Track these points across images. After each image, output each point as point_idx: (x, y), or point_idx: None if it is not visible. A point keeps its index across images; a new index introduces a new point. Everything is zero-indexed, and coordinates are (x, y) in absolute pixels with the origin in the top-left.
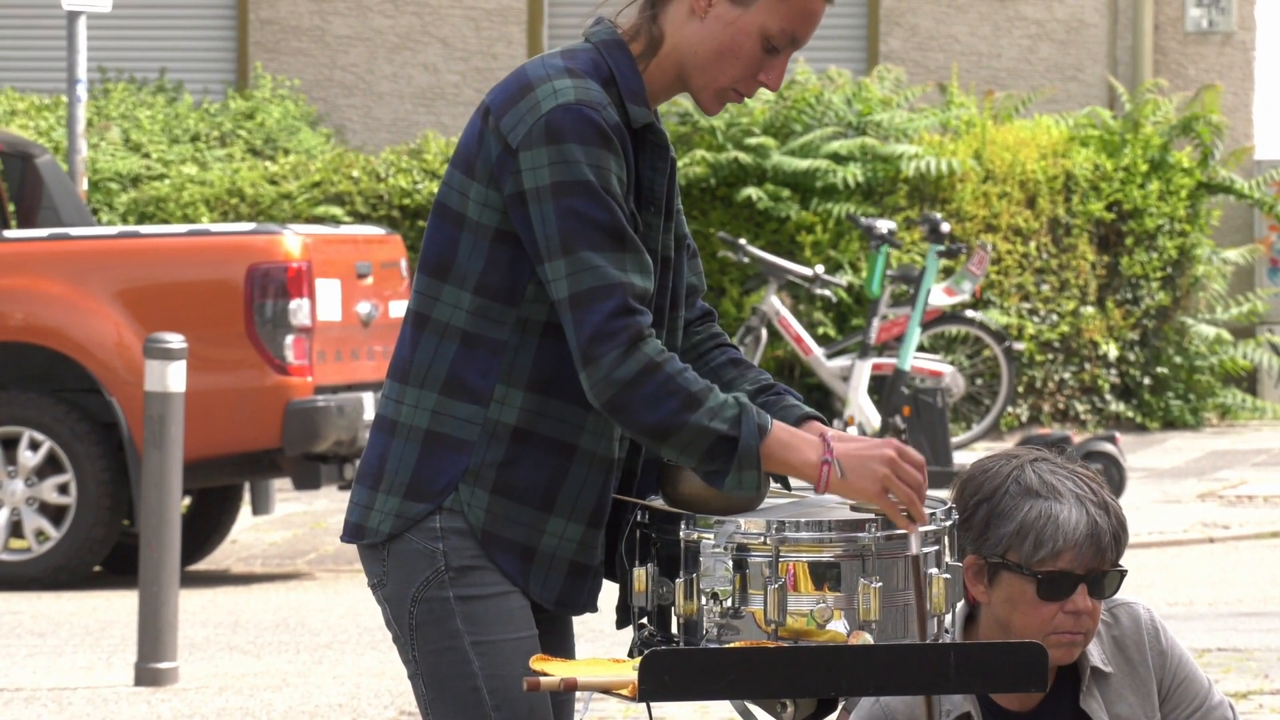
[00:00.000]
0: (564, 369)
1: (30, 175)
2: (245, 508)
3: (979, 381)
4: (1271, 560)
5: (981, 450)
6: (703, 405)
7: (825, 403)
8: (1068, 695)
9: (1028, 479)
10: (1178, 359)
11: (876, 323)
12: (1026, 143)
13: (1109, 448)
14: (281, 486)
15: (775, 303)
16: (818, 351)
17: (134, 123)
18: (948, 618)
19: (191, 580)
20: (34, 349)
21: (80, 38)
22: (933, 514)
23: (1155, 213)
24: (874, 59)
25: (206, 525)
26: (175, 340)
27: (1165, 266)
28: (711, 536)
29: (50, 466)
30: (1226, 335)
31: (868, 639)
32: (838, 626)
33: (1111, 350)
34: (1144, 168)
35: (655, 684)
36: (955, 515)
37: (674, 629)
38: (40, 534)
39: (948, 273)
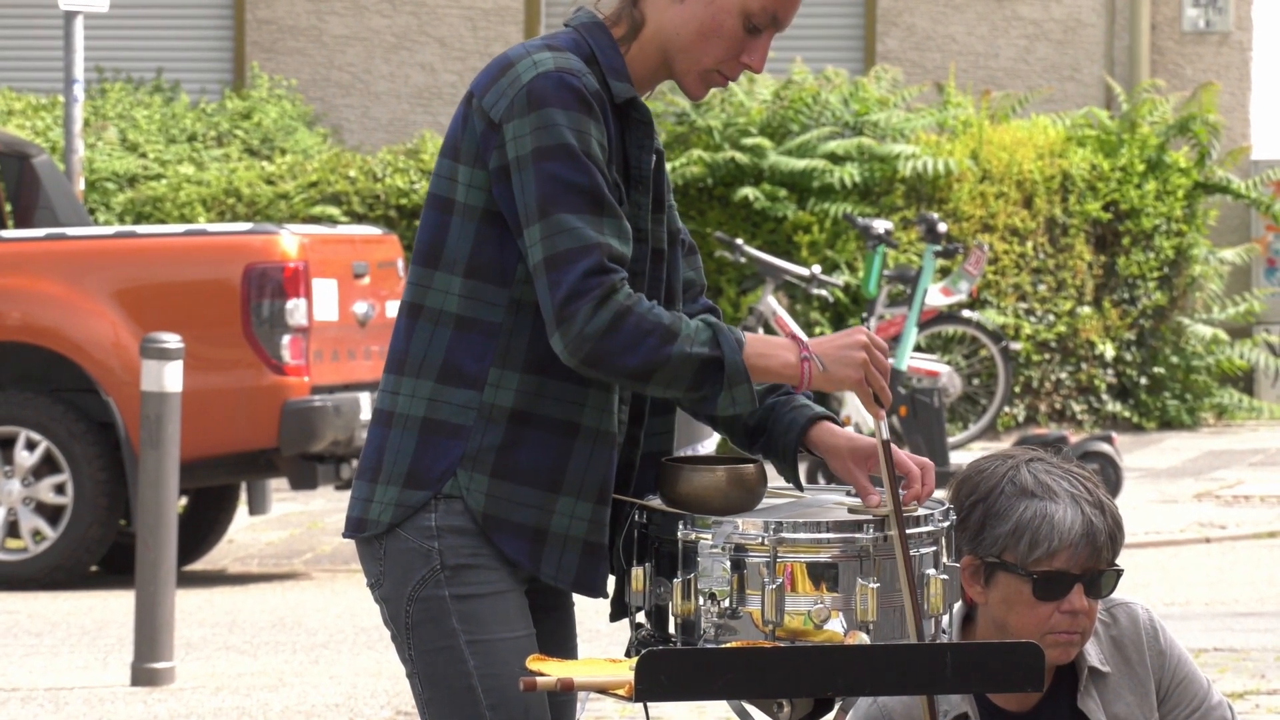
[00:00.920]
0: None
1: (27, 175)
2: (242, 507)
3: (976, 381)
4: (1268, 560)
5: (978, 450)
6: (679, 335)
7: (821, 401)
8: (1065, 695)
9: (1023, 479)
10: (1174, 359)
11: (873, 322)
12: (1023, 143)
13: (1106, 448)
14: (278, 486)
15: (772, 302)
16: None
17: (131, 123)
18: (945, 618)
19: (188, 580)
20: (31, 349)
21: (77, 37)
22: (930, 515)
23: (1152, 213)
24: (871, 59)
25: (203, 525)
26: (172, 340)
27: (1162, 266)
28: (709, 536)
29: (47, 466)
30: (1223, 335)
31: (865, 639)
32: (835, 627)
33: (1108, 350)
34: (1141, 168)
35: (652, 684)
36: (953, 516)
37: (671, 629)
38: (37, 534)
39: (944, 273)
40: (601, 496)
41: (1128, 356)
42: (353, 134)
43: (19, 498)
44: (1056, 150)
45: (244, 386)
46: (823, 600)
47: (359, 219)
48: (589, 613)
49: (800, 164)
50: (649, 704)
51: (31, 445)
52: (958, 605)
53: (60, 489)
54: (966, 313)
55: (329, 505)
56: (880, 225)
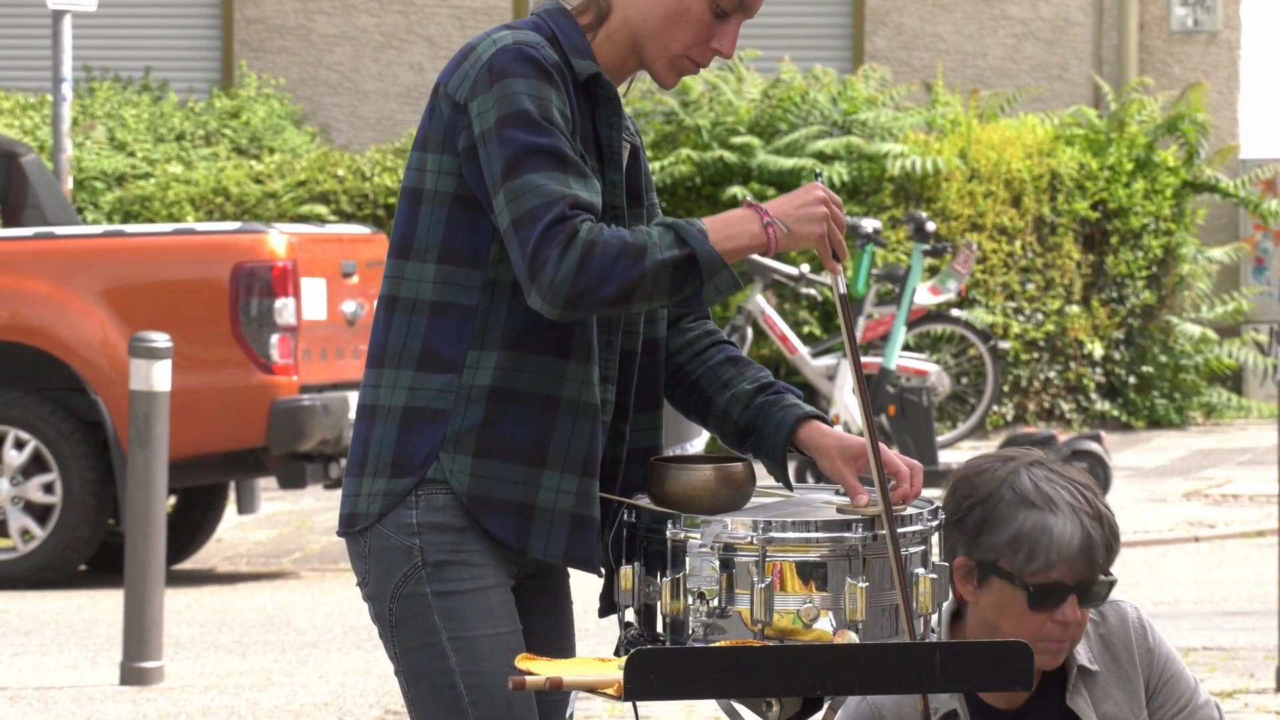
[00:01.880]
0: (537, 321)
1: (15, 174)
2: (231, 507)
3: (964, 380)
4: (1256, 559)
5: (967, 449)
6: (647, 247)
7: (810, 401)
8: (1054, 693)
9: (1024, 487)
10: (1163, 358)
11: (862, 322)
12: (1012, 142)
13: (1094, 447)
14: (267, 485)
15: (760, 301)
16: (803, 350)
17: (119, 122)
18: (934, 617)
19: (177, 579)
20: (19, 348)
21: (65, 36)
22: (919, 514)
23: (1140, 212)
24: (859, 58)
25: (192, 524)
26: (160, 339)
27: (1150, 265)
28: (698, 536)
29: (35, 465)
30: (1212, 334)
31: (853, 638)
32: (824, 626)
33: (1097, 349)
34: (1129, 167)
35: (641, 683)
36: (942, 515)
37: (660, 628)
38: (25, 533)
39: (933, 271)
40: (587, 469)
41: (1116, 355)
42: (341, 133)
43: (7, 497)
44: (1045, 149)
45: (232, 385)
46: (812, 599)
47: (347, 218)
48: (578, 612)
49: (788, 163)
50: (638, 703)
51: (20, 444)
52: (947, 603)
53: (49, 488)
54: (955, 312)
55: (318, 504)
56: (868, 224)
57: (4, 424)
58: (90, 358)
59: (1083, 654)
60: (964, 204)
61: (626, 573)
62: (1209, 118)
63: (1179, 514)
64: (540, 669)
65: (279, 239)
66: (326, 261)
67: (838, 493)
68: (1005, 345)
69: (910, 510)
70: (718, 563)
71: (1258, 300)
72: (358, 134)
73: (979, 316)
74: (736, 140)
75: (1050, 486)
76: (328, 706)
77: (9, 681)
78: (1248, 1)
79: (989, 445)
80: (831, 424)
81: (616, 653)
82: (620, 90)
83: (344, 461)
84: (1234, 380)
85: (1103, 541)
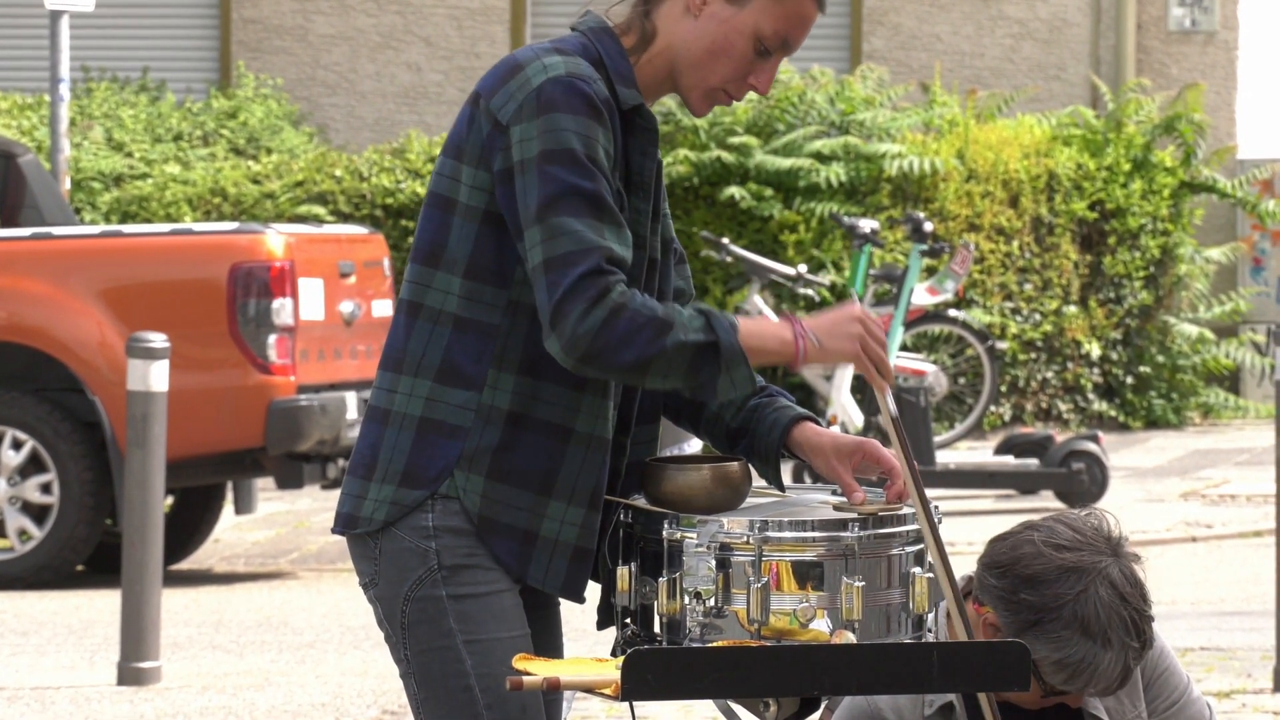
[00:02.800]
0: None
1: (13, 174)
2: (228, 507)
3: (962, 381)
4: (1254, 559)
5: (964, 449)
6: (673, 325)
7: (808, 401)
8: None
9: (1087, 615)
10: (1160, 358)
11: None
12: (1009, 142)
13: (1092, 447)
14: (264, 486)
15: (758, 302)
16: None
17: (117, 122)
18: (929, 617)
19: (174, 579)
20: (16, 348)
21: (63, 37)
22: (916, 514)
23: (1138, 212)
24: (857, 58)
25: (189, 524)
26: (158, 339)
27: (1148, 266)
28: (695, 536)
29: (33, 466)
30: (1209, 334)
31: (850, 638)
32: (820, 626)
33: (1094, 349)
34: (1127, 167)
35: (638, 683)
36: (939, 516)
37: (657, 628)
38: (23, 533)
39: (930, 272)
40: (593, 502)
41: (1114, 356)
42: (338, 133)
43: (5, 497)
44: (1042, 149)
45: (230, 386)
46: (808, 599)
47: (345, 218)
48: (576, 611)
49: (786, 163)
50: (635, 703)
51: (18, 444)
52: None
53: (46, 488)
54: (952, 312)
55: (315, 505)
56: (866, 224)
57: (1, 424)
58: (88, 358)
59: None
60: (961, 204)
61: (623, 573)
62: (1206, 118)
63: (1176, 514)
64: (538, 669)
65: (276, 239)
66: (324, 262)
67: (834, 492)
68: (1003, 345)
69: (905, 510)
70: (714, 562)
71: (1255, 300)
72: (355, 134)
73: (976, 317)
74: (734, 140)
75: (1109, 615)
76: (325, 707)
77: (6, 682)
78: (1245, 2)
79: (987, 445)
80: (829, 424)
81: (613, 653)
82: None
83: (342, 462)
84: (1231, 380)
85: (1135, 666)
